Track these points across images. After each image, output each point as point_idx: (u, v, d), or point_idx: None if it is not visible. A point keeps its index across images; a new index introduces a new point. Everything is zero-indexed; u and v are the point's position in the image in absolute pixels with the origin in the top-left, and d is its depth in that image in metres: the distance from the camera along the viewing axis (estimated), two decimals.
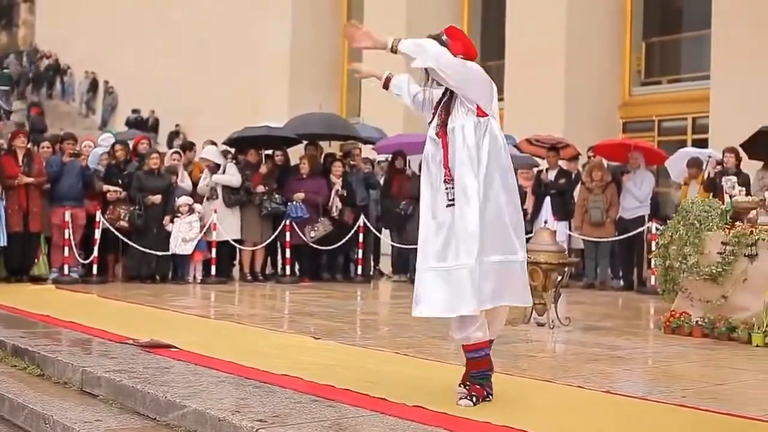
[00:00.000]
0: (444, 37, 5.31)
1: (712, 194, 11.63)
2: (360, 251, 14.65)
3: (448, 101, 5.32)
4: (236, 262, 14.71)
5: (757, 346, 7.98)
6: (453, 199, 5.17)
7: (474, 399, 5.18)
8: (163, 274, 13.54)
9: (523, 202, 14.50)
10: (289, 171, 14.73)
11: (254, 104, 25.59)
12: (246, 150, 14.65)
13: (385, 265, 16.24)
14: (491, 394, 5.31)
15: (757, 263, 8.34)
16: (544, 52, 18.91)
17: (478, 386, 5.25)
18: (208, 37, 29.48)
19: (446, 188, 5.20)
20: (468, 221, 5.10)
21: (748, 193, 9.90)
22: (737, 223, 8.78)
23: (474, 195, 5.10)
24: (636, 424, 4.97)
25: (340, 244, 14.22)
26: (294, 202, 14.01)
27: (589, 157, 15.12)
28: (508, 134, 16.60)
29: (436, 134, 5.31)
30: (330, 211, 14.29)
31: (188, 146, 15.67)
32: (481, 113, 5.20)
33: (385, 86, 5.74)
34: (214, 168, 13.96)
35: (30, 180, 12.54)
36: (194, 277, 13.65)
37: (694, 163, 13.52)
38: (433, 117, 5.39)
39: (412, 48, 5.17)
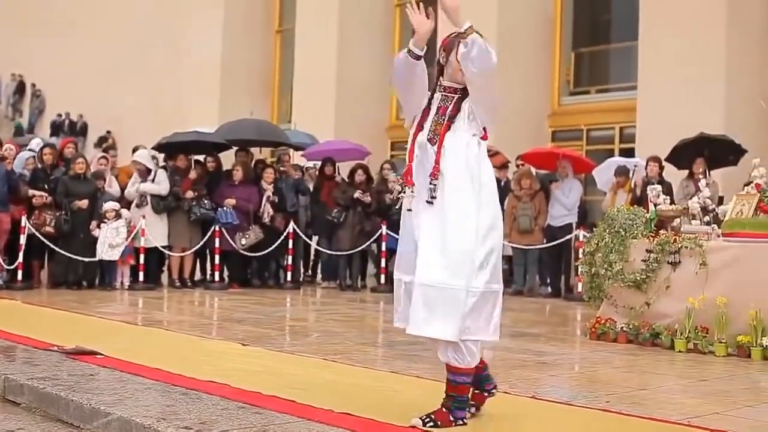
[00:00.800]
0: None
1: (637, 203, 11.84)
2: (290, 257, 14.63)
3: (453, 112, 5.00)
4: (165, 268, 14.59)
5: (680, 351, 8.14)
6: (435, 197, 4.85)
7: (428, 420, 4.85)
8: (90, 280, 13.38)
9: None
10: (219, 177, 14.66)
11: (184, 110, 25.37)
12: (175, 155, 14.56)
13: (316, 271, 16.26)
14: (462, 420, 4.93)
15: (679, 270, 8.51)
16: None
17: (444, 410, 4.91)
18: (137, 42, 29.18)
19: (431, 183, 4.87)
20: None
21: (672, 202, 10.07)
22: (661, 231, 8.94)
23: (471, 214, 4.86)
24: (560, 429, 5.03)
25: (270, 250, 14.18)
26: (224, 208, 13.95)
27: (518, 166, 15.27)
28: None
29: (429, 140, 4.98)
30: (261, 217, 14.25)
31: (110, 148, 15.52)
32: (485, 137, 5.05)
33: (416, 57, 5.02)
34: (145, 172, 13.84)
35: None
36: (121, 283, 13.51)
37: (622, 172, 13.72)
38: (428, 120, 5.04)
39: (481, 52, 4.85)
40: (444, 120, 4.98)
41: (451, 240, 4.81)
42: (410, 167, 4.99)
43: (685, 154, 13.15)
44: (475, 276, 4.82)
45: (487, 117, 5.02)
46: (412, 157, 4.99)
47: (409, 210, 4.97)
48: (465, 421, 4.91)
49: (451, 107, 5.00)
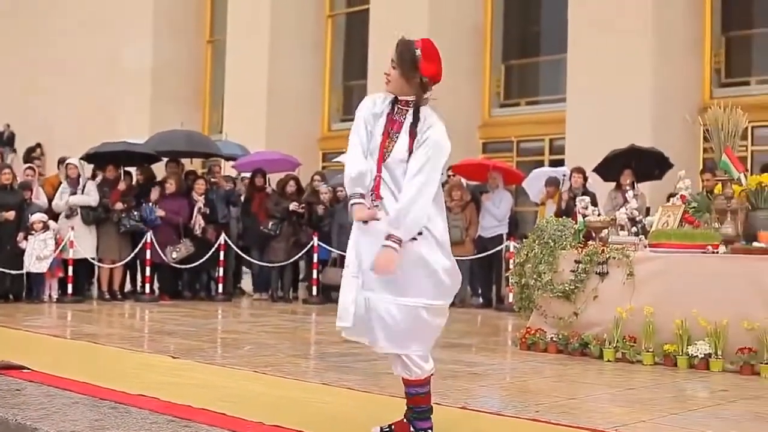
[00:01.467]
0: (417, 53, 4.92)
1: (563, 213, 11.98)
2: (221, 269, 14.54)
3: (412, 128, 4.87)
4: (94, 280, 14.42)
5: (608, 361, 8.24)
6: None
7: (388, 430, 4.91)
8: (17, 293, 13.19)
9: None
10: (149, 188, 14.53)
11: (114, 121, 25.12)
12: (104, 166, 14.41)
13: (246, 283, 16.19)
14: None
15: (607, 280, 8.62)
16: None
17: (405, 421, 4.92)
18: (67, 51, 28.82)
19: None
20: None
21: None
22: (590, 242, 9.06)
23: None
24: None
25: (201, 262, 14.10)
26: (149, 203, 13.85)
27: (448, 176, 15.35)
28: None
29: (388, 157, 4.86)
30: (193, 229, 14.16)
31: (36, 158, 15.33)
32: None
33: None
34: (75, 181, 13.66)
35: None
36: (50, 295, 13.33)
37: (552, 182, 13.88)
38: (388, 138, 4.89)
39: (408, 232, 4.64)
40: (398, 135, 4.86)
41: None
42: (379, 181, 4.81)
43: (613, 165, 13.36)
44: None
45: None
46: (380, 171, 4.82)
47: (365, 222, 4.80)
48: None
49: (407, 121, 4.90)
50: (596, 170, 13.63)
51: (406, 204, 4.61)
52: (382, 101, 5.00)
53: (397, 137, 4.84)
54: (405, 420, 4.89)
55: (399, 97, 4.95)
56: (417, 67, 4.88)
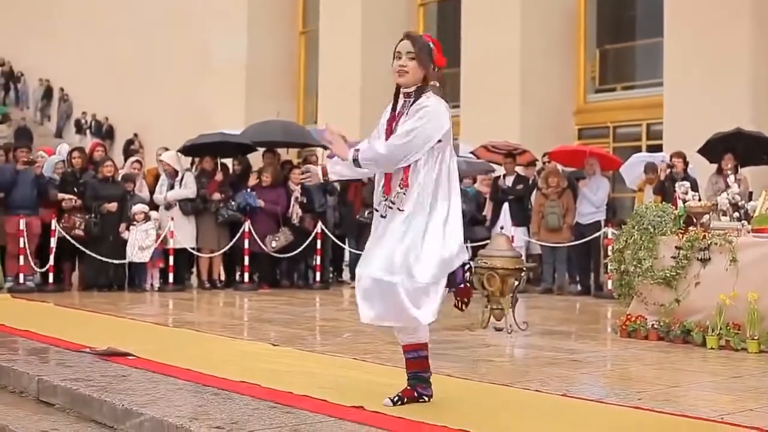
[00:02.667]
0: (431, 44, 5.24)
1: (662, 199, 11.80)
2: (318, 258, 14.64)
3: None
4: (194, 269, 14.66)
5: (711, 348, 8.08)
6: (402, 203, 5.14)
7: (396, 399, 5.23)
8: (120, 283, 13.46)
9: (483, 207, 14.66)
10: (247, 178, 14.71)
11: (210, 113, 25.47)
12: (202, 158, 14.63)
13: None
14: (426, 396, 5.33)
15: (709, 267, 8.45)
16: (498, 60, 19.02)
17: (408, 387, 5.32)
18: (163, 45, 29.32)
19: (399, 190, 5.16)
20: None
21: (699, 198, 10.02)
22: (690, 228, 8.89)
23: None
24: (592, 426, 5.01)
25: (299, 251, 14.21)
26: (247, 189, 14.01)
27: (544, 164, 15.24)
28: (465, 141, 16.73)
29: None
30: (290, 218, 14.29)
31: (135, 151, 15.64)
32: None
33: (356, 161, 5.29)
34: (173, 174, 13.91)
35: None
36: (151, 285, 13.58)
37: (651, 168, 13.67)
38: (393, 130, 5.27)
39: (370, 158, 5.19)
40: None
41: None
42: (389, 177, 5.23)
43: (716, 148, 13.09)
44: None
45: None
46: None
47: (383, 216, 5.21)
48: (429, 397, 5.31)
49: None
50: (700, 151, 13.36)
51: (375, 148, 5.15)
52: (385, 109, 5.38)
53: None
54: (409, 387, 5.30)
55: (402, 90, 5.26)
56: (433, 58, 5.22)
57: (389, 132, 5.26)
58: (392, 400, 5.22)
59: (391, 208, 5.17)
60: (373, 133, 5.43)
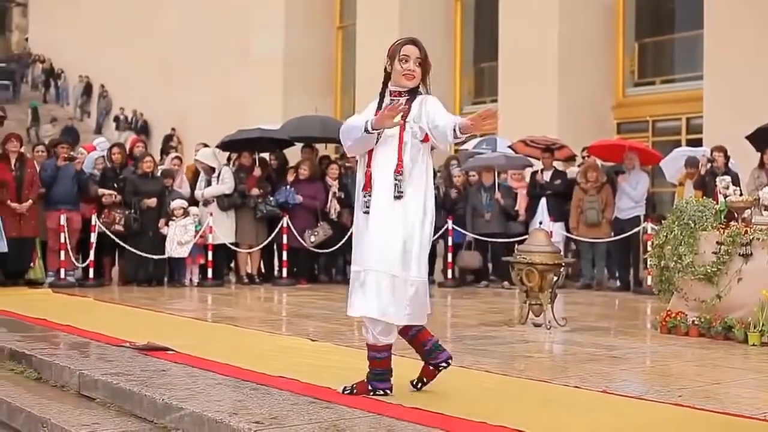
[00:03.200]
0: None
1: (703, 193, 11.68)
2: None
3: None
4: (232, 265, 14.71)
5: (753, 345, 8.00)
6: (401, 192, 5.32)
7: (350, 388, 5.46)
8: (160, 278, 13.54)
9: (515, 203, 14.57)
10: (285, 173, 14.74)
11: (247, 108, 25.57)
12: (240, 153, 14.67)
13: None
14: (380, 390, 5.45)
15: (751, 262, 8.36)
16: (536, 53, 18.93)
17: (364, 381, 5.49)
18: (200, 41, 29.45)
19: (395, 179, 5.33)
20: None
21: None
22: (731, 223, 8.80)
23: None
24: (633, 423, 4.98)
25: (337, 246, 14.22)
26: (287, 187, 14.04)
27: (583, 158, 15.15)
28: (502, 135, 16.67)
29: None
30: (328, 214, 14.31)
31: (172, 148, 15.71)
32: (426, 140, 5.41)
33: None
34: (209, 171, 13.97)
35: (23, 208, 12.54)
36: (190, 280, 13.65)
37: (692, 163, 13.54)
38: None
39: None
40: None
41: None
42: (369, 173, 5.42)
43: (763, 138, 12.89)
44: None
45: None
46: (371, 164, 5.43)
47: (366, 212, 5.39)
48: (386, 391, 5.43)
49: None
50: (748, 138, 13.12)
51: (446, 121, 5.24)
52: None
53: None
54: (365, 380, 5.48)
55: (393, 90, 5.56)
56: (429, 62, 5.56)
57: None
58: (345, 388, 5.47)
59: (399, 197, 5.31)
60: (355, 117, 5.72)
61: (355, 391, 5.42)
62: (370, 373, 5.47)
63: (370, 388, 5.43)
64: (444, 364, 5.54)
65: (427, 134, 5.35)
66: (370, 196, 5.37)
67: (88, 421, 5.44)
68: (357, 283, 5.37)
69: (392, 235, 5.27)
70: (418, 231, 5.33)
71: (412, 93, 5.49)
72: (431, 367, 5.56)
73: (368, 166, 5.44)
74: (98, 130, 34.50)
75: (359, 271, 5.36)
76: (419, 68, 5.48)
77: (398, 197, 5.31)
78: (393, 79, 5.56)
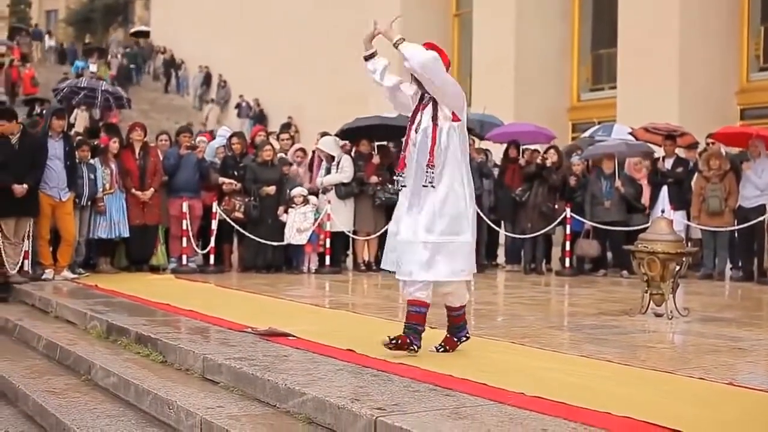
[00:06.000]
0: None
1: None
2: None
3: (434, 106, 6.24)
4: (349, 252, 14.81)
5: None
6: (432, 182, 6.14)
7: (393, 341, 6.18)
8: (278, 265, 13.71)
9: (638, 193, 14.27)
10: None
11: (362, 97, 25.68)
12: (358, 141, 14.74)
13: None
14: (415, 346, 6.23)
15: None
16: (657, 40, 18.59)
17: (403, 335, 6.24)
18: (314, 30, 29.72)
19: (427, 171, 6.14)
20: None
21: None
22: None
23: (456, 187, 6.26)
24: (761, 416, 4.86)
25: None
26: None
27: (708, 145, 14.80)
28: (621, 123, 16.39)
29: (421, 129, 6.26)
30: None
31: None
32: (455, 119, 6.22)
33: (367, 58, 6.55)
34: (330, 159, 14.07)
35: (146, 196, 12.85)
36: (308, 267, 13.78)
37: None
38: (418, 115, 6.32)
39: (409, 51, 6.16)
40: (423, 115, 6.28)
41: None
42: (403, 158, 6.38)
43: None
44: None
45: (446, 103, 6.22)
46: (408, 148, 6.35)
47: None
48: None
49: (430, 104, 6.26)
50: None
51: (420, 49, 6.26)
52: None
53: (423, 115, 6.29)
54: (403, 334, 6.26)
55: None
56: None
57: (412, 122, 6.31)
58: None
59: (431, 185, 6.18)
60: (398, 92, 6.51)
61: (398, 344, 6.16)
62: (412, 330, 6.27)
63: (408, 342, 6.21)
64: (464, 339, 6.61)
65: (454, 115, 6.23)
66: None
67: (212, 404, 5.55)
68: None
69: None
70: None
71: None
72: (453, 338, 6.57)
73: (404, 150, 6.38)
74: (217, 120, 35.06)
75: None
76: None
77: (425, 186, 6.21)
78: None
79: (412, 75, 6.26)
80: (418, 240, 6.14)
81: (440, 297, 6.57)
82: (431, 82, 6.12)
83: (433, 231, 6.15)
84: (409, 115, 6.41)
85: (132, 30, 48.88)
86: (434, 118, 6.18)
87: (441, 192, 6.18)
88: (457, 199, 6.25)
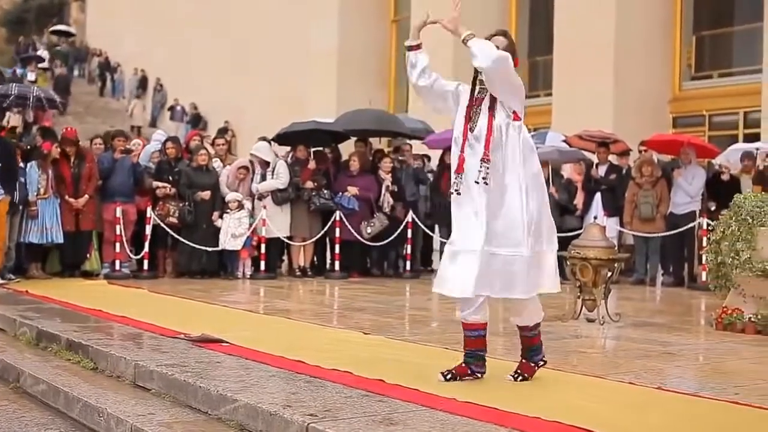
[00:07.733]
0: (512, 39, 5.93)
1: (762, 188, 11.53)
2: (408, 247, 14.63)
3: (492, 103, 5.70)
4: (284, 257, 14.76)
5: None
6: (485, 178, 5.56)
7: (450, 375, 5.72)
8: (213, 270, 13.62)
9: (573, 196, 14.44)
10: (338, 167, 14.76)
11: (300, 101, 25.68)
12: (295, 146, 14.71)
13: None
14: (479, 373, 5.78)
15: None
16: (592, 47, 18.78)
17: (463, 365, 5.79)
18: (254, 34, 29.61)
19: (481, 167, 5.58)
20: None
21: None
22: None
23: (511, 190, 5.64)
24: (688, 420, 4.93)
25: (390, 239, 14.21)
26: (345, 194, 14.01)
27: (640, 152, 15.00)
28: (556, 130, 16.56)
29: (474, 130, 5.71)
30: (381, 207, 14.30)
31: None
32: (516, 118, 5.69)
33: (411, 47, 6.09)
34: (264, 165, 14.01)
35: (80, 204, 12.68)
36: (243, 272, 13.71)
37: (748, 156, 13.37)
38: (471, 114, 5.74)
39: (478, 47, 5.59)
40: (480, 110, 5.71)
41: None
42: (462, 158, 5.69)
43: None
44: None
45: (511, 103, 5.69)
46: (464, 147, 5.71)
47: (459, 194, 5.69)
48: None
49: (486, 98, 5.71)
50: None
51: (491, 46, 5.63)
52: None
53: (479, 111, 5.72)
54: (464, 364, 5.78)
55: (480, 78, 5.75)
56: (513, 54, 5.81)
57: (468, 119, 5.73)
58: (444, 376, 5.71)
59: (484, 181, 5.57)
60: (447, 92, 5.95)
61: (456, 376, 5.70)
62: (475, 358, 5.77)
63: (469, 371, 5.75)
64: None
65: (515, 114, 5.68)
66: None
67: (143, 411, 5.49)
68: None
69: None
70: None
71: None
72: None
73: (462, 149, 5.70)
74: (153, 123, 34.75)
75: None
76: None
77: (478, 183, 5.59)
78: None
79: (476, 73, 5.76)
80: (523, 255, 5.70)
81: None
82: (500, 82, 5.62)
83: (523, 243, 5.67)
84: (449, 113, 5.93)
85: (52, 28, 47.85)
86: (491, 108, 5.67)
87: (504, 197, 5.63)
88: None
